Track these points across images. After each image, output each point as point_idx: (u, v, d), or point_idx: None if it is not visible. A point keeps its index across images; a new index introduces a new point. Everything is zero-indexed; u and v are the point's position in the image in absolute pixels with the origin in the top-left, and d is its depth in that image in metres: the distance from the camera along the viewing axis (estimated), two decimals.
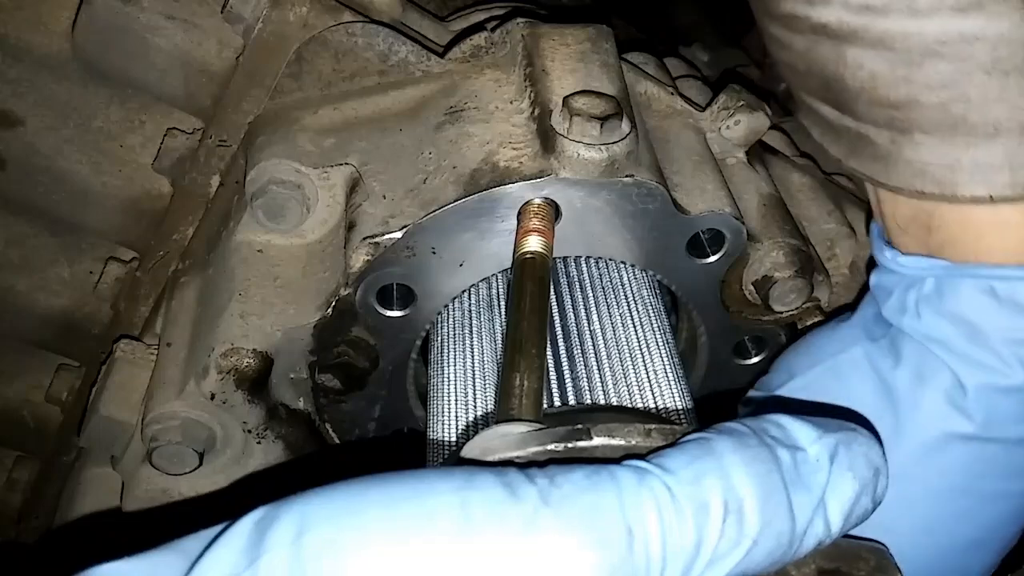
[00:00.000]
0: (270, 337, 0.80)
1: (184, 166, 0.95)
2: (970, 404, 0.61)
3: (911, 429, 0.63)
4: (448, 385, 0.73)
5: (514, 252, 0.70)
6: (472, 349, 0.74)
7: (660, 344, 0.73)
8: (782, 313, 0.83)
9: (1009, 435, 0.61)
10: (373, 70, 0.87)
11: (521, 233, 0.71)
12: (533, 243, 0.70)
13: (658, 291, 0.81)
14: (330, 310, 0.77)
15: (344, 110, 0.86)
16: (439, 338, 0.78)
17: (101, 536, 0.91)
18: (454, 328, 0.77)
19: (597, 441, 0.47)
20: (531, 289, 0.66)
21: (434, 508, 0.38)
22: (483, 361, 0.72)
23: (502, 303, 0.76)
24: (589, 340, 0.71)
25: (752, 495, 0.42)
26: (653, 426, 0.48)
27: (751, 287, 0.83)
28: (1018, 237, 0.61)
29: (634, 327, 0.73)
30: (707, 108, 0.89)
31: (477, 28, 0.90)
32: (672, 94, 0.89)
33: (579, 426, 0.48)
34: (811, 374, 0.71)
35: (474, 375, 0.71)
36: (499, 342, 0.73)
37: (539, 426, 0.50)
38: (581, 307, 0.74)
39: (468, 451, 0.49)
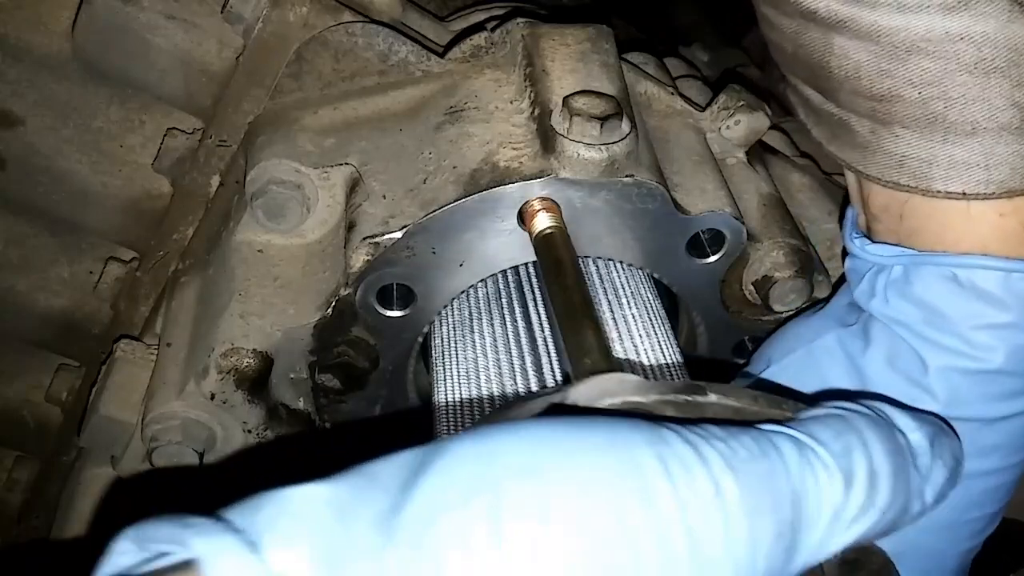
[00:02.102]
0: (270, 337, 0.80)
1: (184, 166, 0.95)
2: (932, 383, 0.63)
3: None
4: (454, 374, 0.73)
5: (531, 236, 0.71)
6: (473, 348, 0.74)
7: (663, 331, 0.74)
8: (782, 313, 0.83)
9: (972, 414, 0.63)
10: (373, 70, 0.87)
11: (529, 216, 0.72)
12: (545, 220, 0.71)
13: (656, 290, 0.81)
14: (330, 310, 0.77)
15: (344, 110, 0.86)
16: (439, 338, 0.78)
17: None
18: (454, 328, 0.77)
19: (713, 398, 0.49)
20: (563, 260, 0.67)
21: (639, 462, 0.40)
22: (484, 359, 0.72)
23: (503, 303, 0.76)
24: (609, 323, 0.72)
25: (887, 472, 0.46)
26: (759, 393, 0.50)
27: (751, 287, 0.83)
28: (985, 230, 0.62)
29: (634, 320, 0.74)
30: (707, 108, 0.89)
31: (477, 28, 0.90)
32: (672, 94, 0.89)
33: (695, 382, 0.49)
34: (787, 360, 0.72)
35: (476, 372, 0.72)
36: (500, 341, 0.73)
37: (642, 378, 0.50)
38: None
39: (584, 391, 0.48)
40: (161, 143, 0.95)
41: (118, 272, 1.05)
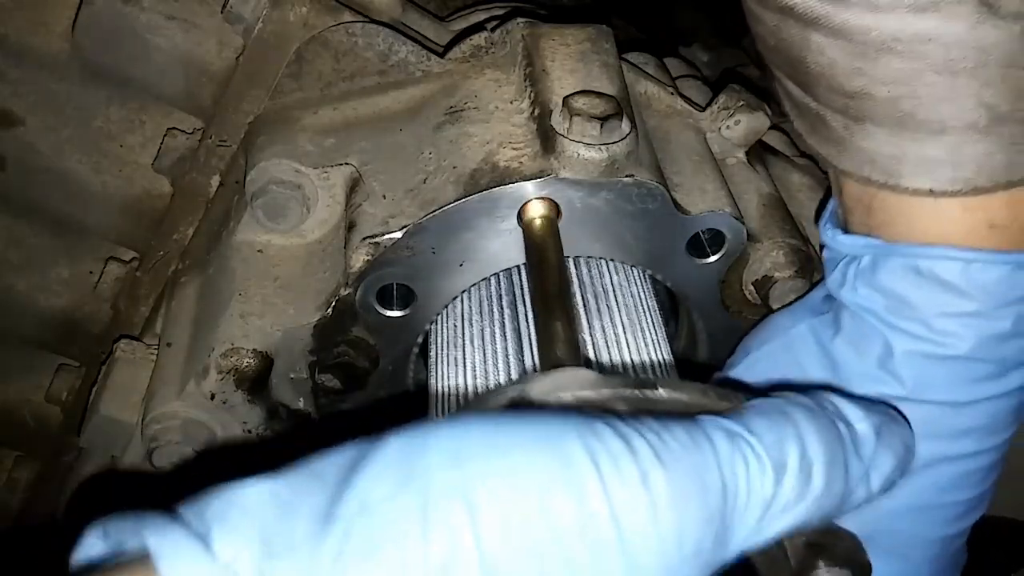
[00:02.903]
0: (270, 337, 0.80)
1: (184, 166, 0.95)
2: (898, 368, 0.65)
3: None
4: (451, 374, 0.73)
5: (520, 222, 0.73)
6: (472, 348, 0.74)
7: (656, 328, 0.75)
8: None
9: (940, 398, 0.65)
10: (373, 70, 0.87)
11: (523, 206, 0.73)
12: (536, 208, 0.72)
13: (653, 289, 0.81)
14: (330, 310, 0.77)
15: (344, 110, 0.86)
16: (440, 337, 0.78)
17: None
18: (454, 327, 0.77)
19: (662, 393, 0.50)
20: (548, 249, 0.69)
21: (568, 455, 0.41)
22: (483, 359, 0.72)
23: (502, 302, 0.76)
24: (596, 321, 0.73)
25: (821, 461, 0.48)
26: (708, 386, 0.52)
27: (751, 287, 0.83)
28: (950, 225, 0.64)
29: (634, 316, 0.74)
30: (707, 108, 0.89)
31: (477, 28, 0.90)
32: (672, 94, 0.89)
33: (646, 377, 0.50)
34: (764, 350, 0.74)
35: (475, 371, 0.72)
36: (499, 342, 0.73)
37: (599, 374, 0.52)
38: (584, 299, 0.75)
39: (538, 386, 0.50)
40: (161, 143, 0.95)
41: (118, 272, 1.05)
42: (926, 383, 0.65)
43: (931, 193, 0.63)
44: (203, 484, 0.42)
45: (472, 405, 0.64)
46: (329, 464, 0.43)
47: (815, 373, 0.70)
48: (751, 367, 0.74)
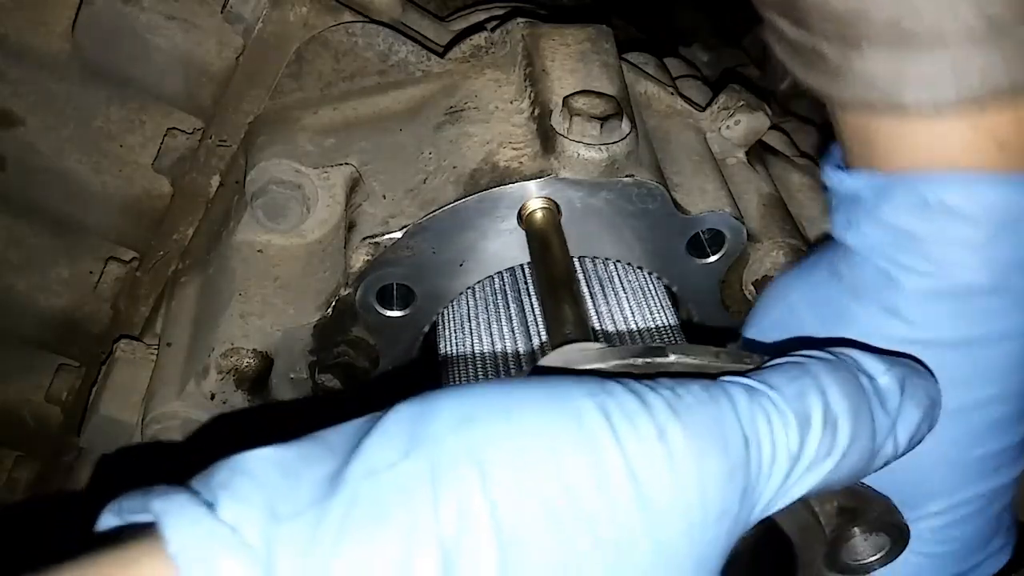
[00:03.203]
0: (270, 337, 0.80)
1: (184, 166, 0.95)
2: (904, 308, 0.61)
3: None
4: (464, 360, 0.73)
5: (520, 222, 0.73)
6: (474, 346, 0.74)
7: (666, 311, 0.75)
8: None
9: (954, 337, 0.61)
10: (373, 70, 0.87)
11: (524, 206, 0.73)
12: (536, 202, 0.72)
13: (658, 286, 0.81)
14: (330, 310, 0.77)
15: (344, 110, 0.86)
16: (440, 337, 0.78)
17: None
18: (454, 327, 0.77)
19: (673, 358, 0.50)
20: (549, 235, 0.69)
21: (579, 412, 0.41)
22: (483, 359, 0.72)
23: (503, 302, 0.76)
24: (603, 304, 0.73)
25: (845, 413, 0.47)
26: (720, 349, 0.51)
27: (751, 287, 0.83)
28: (955, 147, 0.61)
29: (641, 304, 0.75)
30: (707, 108, 0.89)
31: (477, 28, 0.90)
32: (672, 94, 0.89)
33: (655, 344, 0.50)
34: (772, 311, 0.71)
35: (474, 371, 0.72)
36: (499, 341, 0.73)
37: (609, 345, 0.52)
38: (590, 287, 0.75)
39: (546, 364, 0.50)
40: (161, 143, 0.95)
41: (118, 272, 1.05)
42: (937, 322, 0.61)
43: (934, 109, 0.60)
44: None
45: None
46: (338, 433, 0.42)
47: (816, 326, 0.66)
48: (759, 331, 0.71)
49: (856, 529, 0.51)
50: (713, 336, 0.86)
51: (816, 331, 0.66)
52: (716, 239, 0.79)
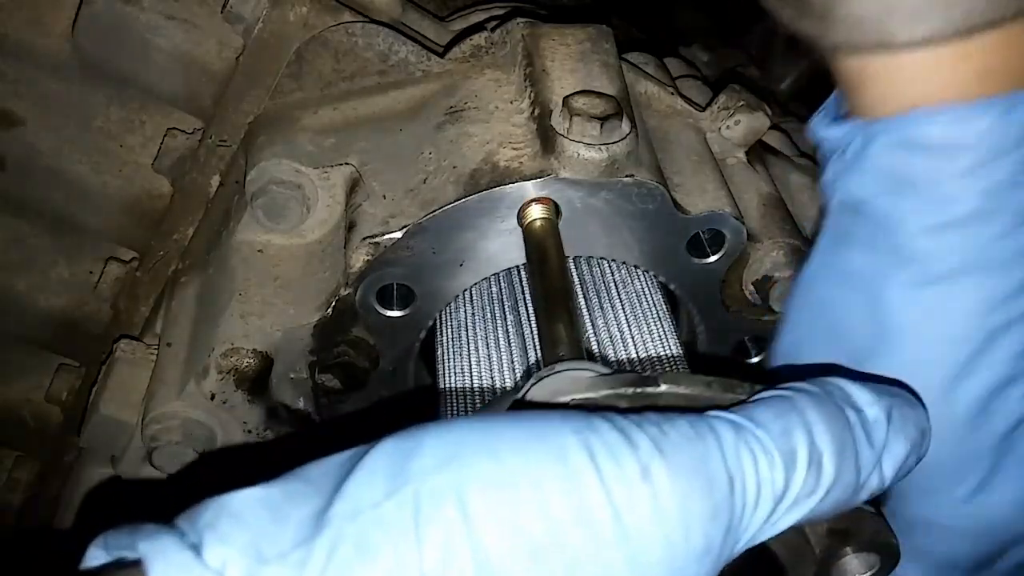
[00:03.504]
0: (270, 337, 0.80)
1: (184, 166, 0.95)
2: (914, 251, 0.61)
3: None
4: (460, 366, 0.73)
5: (520, 224, 0.72)
6: (472, 349, 0.74)
7: (662, 323, 0.75)
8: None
9: (966, 265, 0.60)
10: (373, 70, 0.87)
11: (524, 207, 0.72)
12: (537, 211, 0.72)
13: (658, 289, 0.81)
14: (330, 310, 0.77)
15: (344, 110, 0.86)
16: (444, 344, 0.78)
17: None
18: (454, 327, 0.77)
19: (664, 388, 0.50)
20: (549, 249, 0.69)
21: (563, 450, 0.41)
22: (483, 359, 0.72)
23: (503, 302, 0.76)
24: (600, 319, 0.73)
25: (830, 451, 0.47)
26: (712, 378, 0.51)
27: (751, 287, 0.83)
28: (944, 81, 0.60)
29: (639, 310, 0.75)
30: (707, 108, 0.89)
31: (477, 28, 0.90)
32: (672, 94, 0.89)
33: (646, 373, 0.51)
34: (804, 313, 0.70)
35: (474, 372, 0.72)
36: (500, 341, 0.73)
37: (601, 371, 0.51)
38: (587, 297, 0.75)
39: (537, 391, 0.50)
40: (161, 143, 0.95)
41: (118, 272, 1.05)
42: (945, 255, 0.60)
43: (925, 42, 0.59)
44: (207, 493, 0.42)
45: (474, 414, 0.64)
46: (322, 470, 0.42)
47: (861, 303, 0.64)
48: (788, 333, 0.70)
49: (849, 548, 0.51)
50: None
51: (854, 308, 0.65)
52: (716, 239, 0.79)
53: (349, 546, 0.38)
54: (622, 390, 0.49)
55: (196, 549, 0.38)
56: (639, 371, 0.67)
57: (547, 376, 0.51)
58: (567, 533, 0.39)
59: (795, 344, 0.70)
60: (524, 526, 0.39)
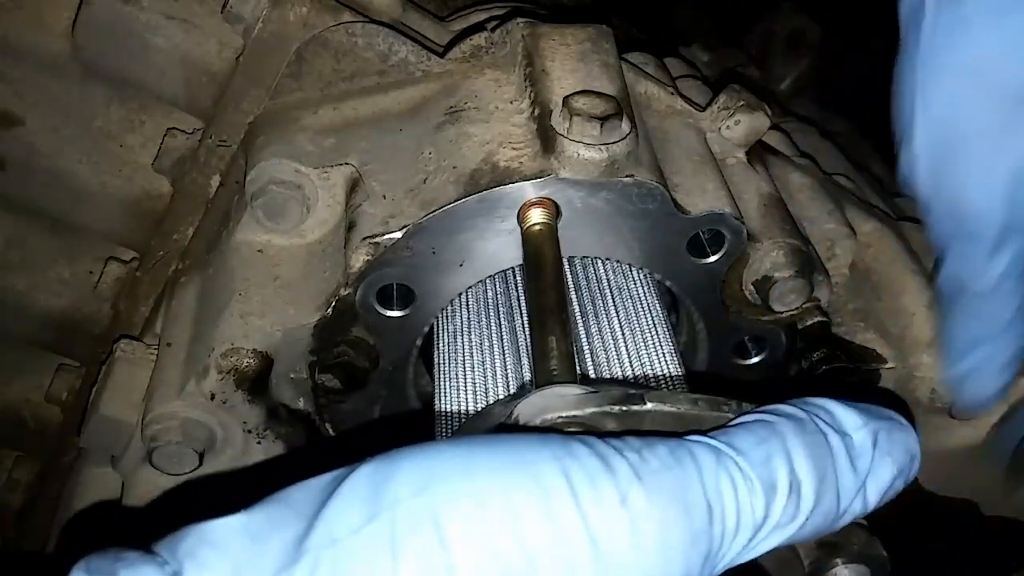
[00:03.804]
0: (270, 337, 0.80)
1: (184, 166, 0.95)
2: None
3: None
4: (457, 373, 0.73)
5: (520, 227, 0.72)
6: (472, 349, 0.74)
7: (658, 328, 0.74)
8: (782, 313, 0.83)
9: None
10: (373, 70, 0.87)
11: (524, 208, 0.72)
12: (536, 215, 0.72)
13: (657, 290, 0.81)
14: (330, 310, 0.77)
15: (344, 110, 0.86)
16: (440, 337, 0.78)
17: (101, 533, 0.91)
18: (454, 328, 0.77)
19: (650, 406, 0.50)
20: (545, 257, 0.69)
21: (540, 476, 0.41)
22: (484, 360, 0.72)
23: (502, 302, 0.76)
24: (594, 324, 0.73)
25: (809, 478, 0.46)
26: (699, 396, 0.51)
27: (751, 287, 0.83)
28: None
29: (636, 314, 0.74)
30: (707, 108, 0.89)
31: (477, 28, 0.90)
32: (672, 94, 0.89)
33: (632, 391, 0.51)
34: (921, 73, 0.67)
35: (479, 368, 0.72)
36: (500, 341, 0.73)
37: (589, 389, 0.52)
38: (581, 303, 0.75)
39: (525, 409, 0.50)
40: (161, 143, 0.96)
41: (118, 272, 1.05)
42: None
43: None
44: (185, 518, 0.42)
45: (462, 429, 0.64)
46: (303, 494, 0.43)
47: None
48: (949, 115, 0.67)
49: (839, 560, 0.51)
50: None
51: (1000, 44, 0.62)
52: (716, 239, 0.79)
53: (327, 573, 0.38)
54: (608, 408, 0.50)
55: None
56: (631, 381, 0.67)
57: (537, 391, 0.51)
58: (543, 559, 0.39)
59: (950, 108, 0.67)
60: (500, 551, 0.39)
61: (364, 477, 0.42)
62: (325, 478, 0.43)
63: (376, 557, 0.39)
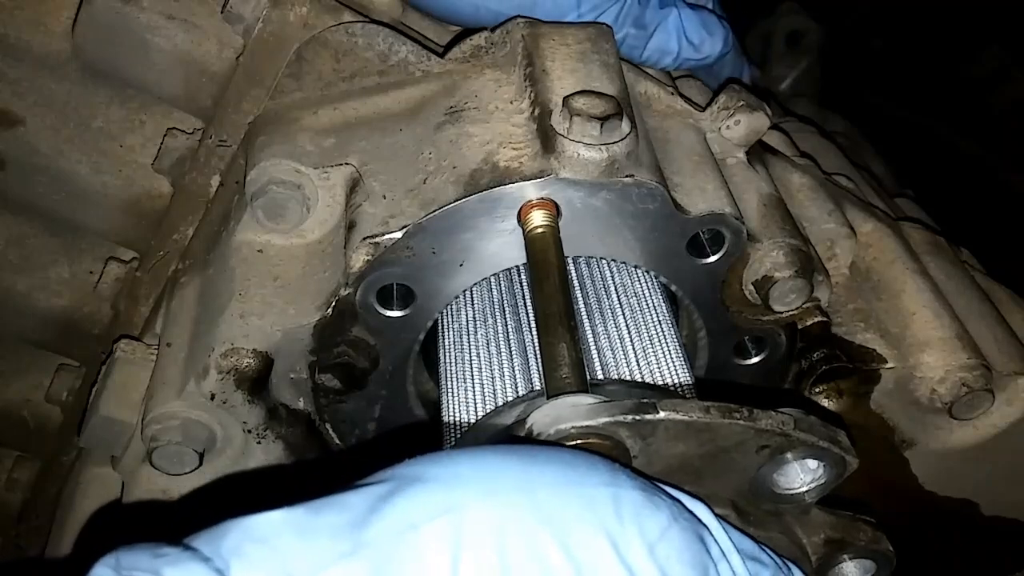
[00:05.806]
0: (270, 337, 0.80)
1: (184, 166, 0.95)
2: None
3: None
4: (464, 372, 0.73)
5: (523, 231, 0.72)
6: (472, 349, 0.74)
7: (663, 327, 0.75)
8: (782, 313, 0.83)
9: None
10: (373, 70, 0.87)
11: (525, 211, 0.72)
12: (539, 218, 0.72)
13: (659, 289, 0.81)
14: (330, 310, 0.77)
15: (344, 110, 0.86)
16: (445, 336, 0.78)
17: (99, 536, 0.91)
18: (459, 326, 0.77)
19: (663, 415, 0.51)
20: (550, 262, 0.69)
21: (594, 500, 0.42)
22: (494, 355, 0.72)
23: (503, 303, 0.76)
24: (600, 325, 0.73)
25: None
26: (711, 404, 0.52)
27: (751, 287, 0.83)
28: None
29: (640, 314, 0.74)
30: (707, 108, 0.89)
31: (477, 28, 0.90)
32: (672, 94, 0.89)
33: (645, 400, 0.52)
34: None
35: (487, 368, 0.72)
36: (500, 342, 0.73)
37: (602, 399, 0.53)
38: (587, 303, 0.75)
39: (538, 418, 0.51)
40: (161, 143, 0.95)
41: (118, 272, 1.05)
42: None
43: None
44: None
45: (476, 430, 0.65)
46: (359, 494, 0.42)
47: None
48: None
49: (844, 556, 0.52)
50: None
51: None
52: (716, 239, 0.79)
53: (383, 568, 0.38)
54: (621, 417, 0.51)
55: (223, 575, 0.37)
56: (641, 383, 0.68)
57: (550, 401, 0.52)
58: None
59: None
60: (552, 567, 0.40)
61: (428, 481, 0.42)
62: (379, 485, 0.43)
63: (435, 559, 0.39)
